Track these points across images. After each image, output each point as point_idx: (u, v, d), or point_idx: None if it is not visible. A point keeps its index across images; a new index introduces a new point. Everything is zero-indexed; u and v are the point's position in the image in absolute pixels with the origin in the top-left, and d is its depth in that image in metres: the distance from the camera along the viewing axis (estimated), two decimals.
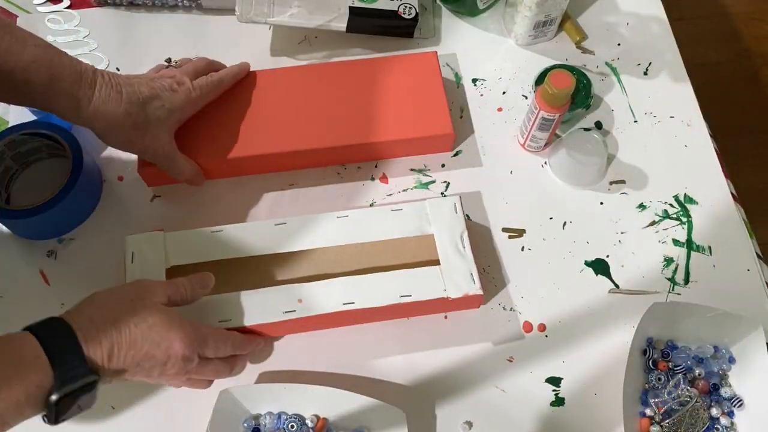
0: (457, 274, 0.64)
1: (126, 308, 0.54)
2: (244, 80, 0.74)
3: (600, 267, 0.70)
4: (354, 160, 0.75)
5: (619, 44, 0.82)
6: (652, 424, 0.62)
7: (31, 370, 0.46)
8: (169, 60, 0.76)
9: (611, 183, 0.74)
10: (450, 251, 0.65)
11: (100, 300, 0.54)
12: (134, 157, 0.74)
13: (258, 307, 0.63)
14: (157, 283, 0.58)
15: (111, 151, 0.75)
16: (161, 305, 0.56)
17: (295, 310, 0.63)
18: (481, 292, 0.64)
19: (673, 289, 0.69)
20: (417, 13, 0.79)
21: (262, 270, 0.67)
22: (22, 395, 0.46)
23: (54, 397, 0.47)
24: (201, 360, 0.57)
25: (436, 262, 0.65)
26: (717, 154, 0.76)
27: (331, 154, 0.73)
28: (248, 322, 0.62)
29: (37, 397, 0.47)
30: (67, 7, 0.83)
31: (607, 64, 0.81)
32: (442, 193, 0.73)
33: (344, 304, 0.63)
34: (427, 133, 0.72)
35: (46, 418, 0.49)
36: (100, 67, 0.79)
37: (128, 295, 0.55)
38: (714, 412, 0.63)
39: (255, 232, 0.66)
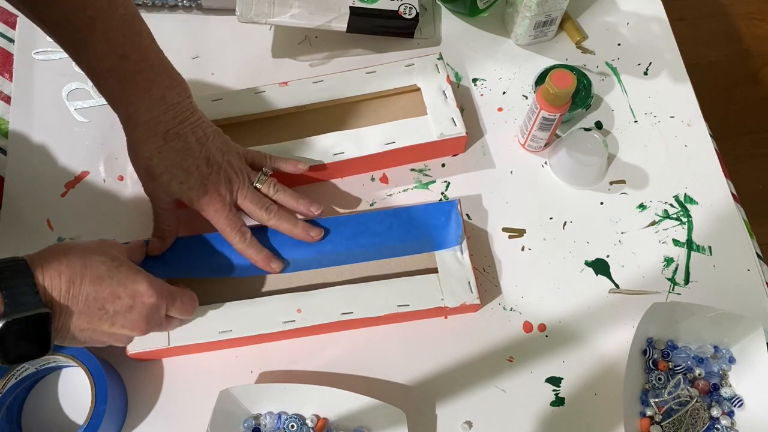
0: (454, 283, 0.64)
1: (94, 247, 0.52)
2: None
3: (600, 267, 0.70)
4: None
5: (619, 44, 0.82)
6: (652, 424, 0.62)
7: None
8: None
9: (611, 183, 0.74)
10: (448, 258, 0.66)
11: (68, 243, 0.51)
12: None
13: (258, 317, 0.63)
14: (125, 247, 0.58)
15: (111, 151, 0.75)
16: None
17: (294, 320, 0.63)
18: (478, 302, 0.64)
19: (673, 289, 0.69)
20: (417, 13, 0.79)
21: (260, 275, 0.67)
22: None
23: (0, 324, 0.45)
24: (166, 317, 0.57)
25: (434, 270, 0.65)
26: (717, 154, 0.76)
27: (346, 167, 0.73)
28: (248, 332, 0.63)
29: None
30: None
31: (607, 64, 0.81)
32: (442, 193, 0.73)
33: (342, 314, 0.63)
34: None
35: None
36: None
37: (98, 244, 0.54)
38: (714, 412, 0.63)
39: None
